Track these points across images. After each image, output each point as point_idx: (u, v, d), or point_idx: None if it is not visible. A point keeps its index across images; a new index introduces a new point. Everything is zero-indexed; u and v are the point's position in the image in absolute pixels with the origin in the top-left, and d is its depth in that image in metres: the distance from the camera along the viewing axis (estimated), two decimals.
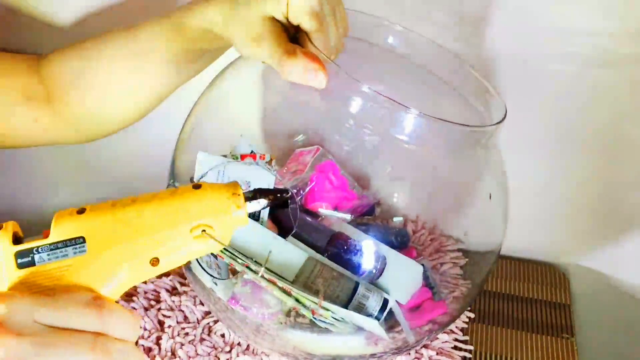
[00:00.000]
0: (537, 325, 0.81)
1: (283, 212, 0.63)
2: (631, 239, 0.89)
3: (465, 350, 0.75)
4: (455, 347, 0.74)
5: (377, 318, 0.59)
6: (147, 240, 0.46)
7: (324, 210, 0.65)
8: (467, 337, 0.76)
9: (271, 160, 0.69)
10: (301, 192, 0.66)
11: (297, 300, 0.59)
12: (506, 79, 0.81)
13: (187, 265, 0.63)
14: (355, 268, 0.61)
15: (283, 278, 0.60)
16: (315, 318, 0.59)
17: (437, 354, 0.72)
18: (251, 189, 0.50)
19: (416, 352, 0.72)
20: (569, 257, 0.92)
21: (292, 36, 0.57)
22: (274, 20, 0.55)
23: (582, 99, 0.82)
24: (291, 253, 0.61)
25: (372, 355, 0.64)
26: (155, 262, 0.46)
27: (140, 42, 0.65)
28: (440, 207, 0.70)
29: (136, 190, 1.08)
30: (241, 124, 0.70)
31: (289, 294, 0.59)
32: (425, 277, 0.67)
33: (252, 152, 0.68)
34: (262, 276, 0.58)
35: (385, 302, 0.60)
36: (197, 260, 0.61)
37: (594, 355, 0.94)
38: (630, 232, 0.88)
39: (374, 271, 0.62)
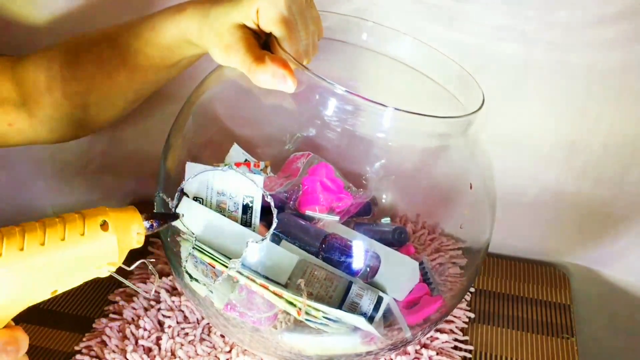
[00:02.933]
0: (537, 325, 0.81)
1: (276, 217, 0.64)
2: (631, 239, 0.89)
3: (465, 350, 0.75)
4: (455, 347, 0.74)
5: (372, 316, 0.60)
6: (53, 283, 0.47)
7: (312, 213, 0.66)
8: (467, 337, 0.76)
9: (266, 166, 0.70)
10: (294, 196, 0.66)
11: (288, 302, 0.59)
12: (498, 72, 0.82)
13: (178, 274, 0.64)
14: (348, 267, 0.62)
15: (274, 281, 0.60)
16: (308, 319, 0.59)
17: (437, 354, 0.72)
18: (150, 213, 0.52)
19: (416, 352, 0.72)
20: (569, 257, 0.92)
21: (264, 42, 0.58)
22: (245, 27, 0.57)
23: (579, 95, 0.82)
24: (282, 256, 0.61)
25: (369, 352, 0.64)
26: (54, 292, 0.47)
27: (116, 50, 0.65)
28: (427, 201, 0.70)
29: (131, 194, 1.07)
30: (231, 128, 0.71)
31: (280, 296, 0.59)
32: (424, 273, 0.67)
33: (246, 160, 0.69)
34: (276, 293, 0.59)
35: (380, 300, 0.60)
36: (187, 272, 0.61)
37: (594, 355, 0.94)
38: (630, 233, 0.88)
39: (367, 269, 0.62)
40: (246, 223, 0.61)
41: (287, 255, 0.61)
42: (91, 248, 0.47)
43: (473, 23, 0.80)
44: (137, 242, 0.50)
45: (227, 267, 0.58)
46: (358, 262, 0.62)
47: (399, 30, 0.69)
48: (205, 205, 0.61)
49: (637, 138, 0.83)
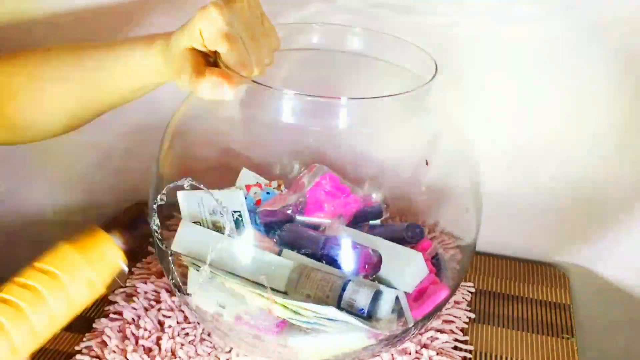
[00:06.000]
0: (537, 325, 0.81)
1: (281, 227, 0.68)
2: (631, 239, 0.89)
3: (465, 350, 0.75)
4: (455, 347, 0.74)
5: (370, 311, 0.61)
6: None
7: (303, 218, 0.69)
8: (467, 337, 0.76)
9: (279, 185, 0.73)
10: (299, 208, 0.70)
11: (284, 306, 0.60)
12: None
13: (179, 289, 0.66)
14: (347, 266, 0.64)
15: (253, 282, 0.62)
16: (302, 321, 0.61)
17: (437, 354, 0.72)
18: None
19: (416, 352, 0.72)
20: (569, 257, 0.93)
21: (214, 61, 0.60)
22: (194, 50, 0.60)
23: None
24: (278, 264, 0.63)
25: (368, 347, 0.65)
26: None
27: (84, 72, 0.67)
28: (403, 181, 0.73)
29: (131, 191, 1.07)
30: (227, 140, 0.73)
31: (273, 301, 0.61)
32: (437, 265, 0.69)
33: (257, 182, 0.73)
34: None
35: (377, 294, 0.62)
36: (180, 291, 0.64)
37: (594, 355, 0.94)
38: (630, 232, 0.89)
39: (366, 266, 0.64)
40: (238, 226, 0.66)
41: (283, 262, 0.63)
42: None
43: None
44: (124, 259, 0.54)
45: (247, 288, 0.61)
46: (356, 260, 0.64)
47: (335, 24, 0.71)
48: (203, 226, 0.65)
49: (619, 133, 0.83)
